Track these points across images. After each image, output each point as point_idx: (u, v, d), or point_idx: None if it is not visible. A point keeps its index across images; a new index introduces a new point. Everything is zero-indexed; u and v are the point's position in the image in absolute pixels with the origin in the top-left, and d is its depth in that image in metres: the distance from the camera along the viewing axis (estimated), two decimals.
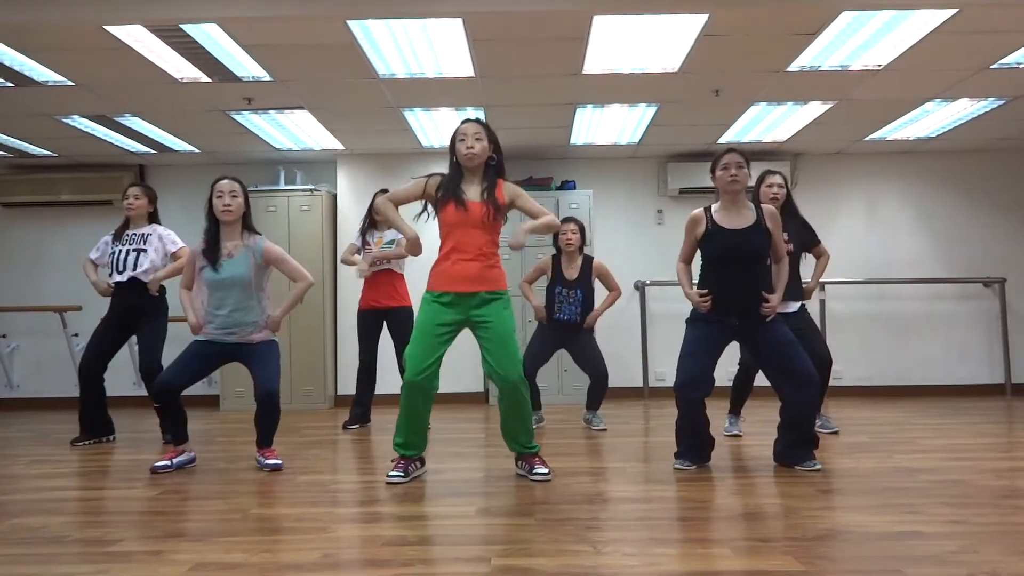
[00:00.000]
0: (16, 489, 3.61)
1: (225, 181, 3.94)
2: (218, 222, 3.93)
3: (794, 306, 4.51)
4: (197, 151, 7.21)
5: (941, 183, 7.74)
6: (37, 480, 3.82)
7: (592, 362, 5.25)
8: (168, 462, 3.90)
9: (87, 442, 4.95)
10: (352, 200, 7.50)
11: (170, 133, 6.65)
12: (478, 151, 3.48)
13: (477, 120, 3.57)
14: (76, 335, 7.46)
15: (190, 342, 3.98)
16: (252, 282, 3.92)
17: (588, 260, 5.28)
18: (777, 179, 4.56)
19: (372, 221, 5.47)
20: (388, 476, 3.51)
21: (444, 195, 3.49)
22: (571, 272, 5.22)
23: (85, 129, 6.44)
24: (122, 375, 7.49)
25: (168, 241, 4.88)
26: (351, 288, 7.31)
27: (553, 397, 6.92)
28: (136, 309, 4.83)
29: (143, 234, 4.85)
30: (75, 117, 6.12)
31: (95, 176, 7.52)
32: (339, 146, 7.22)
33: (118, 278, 4.82)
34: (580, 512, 2.89)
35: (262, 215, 7.15)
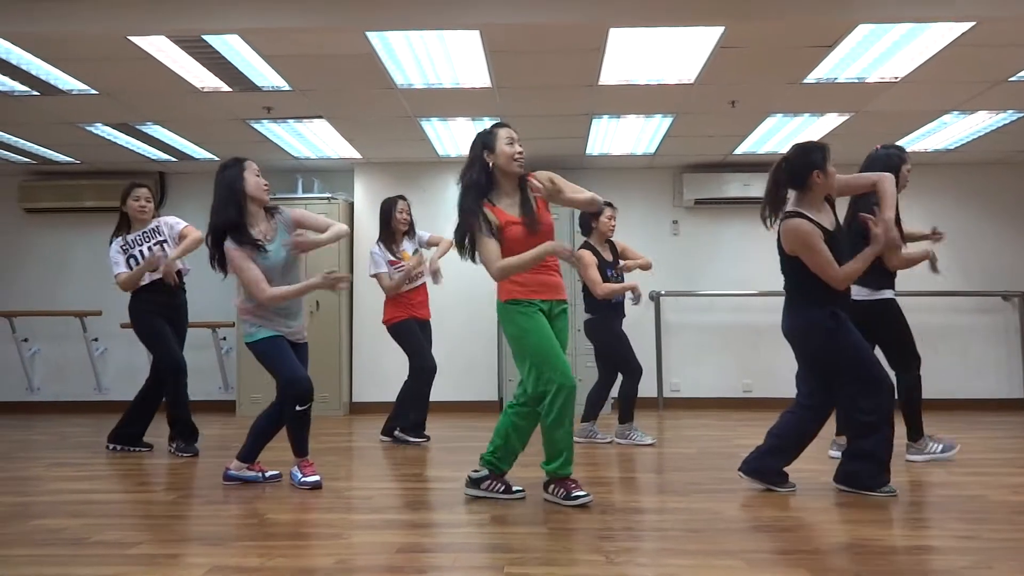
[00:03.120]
0: (37, 491, 3.66)
1: (250, 160, 3.79)
2: (241, 212, 3.65)
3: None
4: (216, 159, 7.29)
5: (960, 195, 7.69)
6: (58, 483, 3.87)
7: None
8: (316, 478, 3.62)
9: (182, 450, 4.71)
10: (369, 209, 7.55)
11: (191, 141, 6.74)
12: (525, 154, 3.32)
13: (508, 125, 3.42)
14: (96, 339, 7.56)
15: (266, 343, 3.62)
16: (293, 263, 3.73)
17: (611, 242, 5.21)
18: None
19: (389, 235, 5.22)
20: (577, 496, 3.15)
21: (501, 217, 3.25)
22: (608, 255, 5.13)
23: (108, 137, 6.54)
24: (139, 380, 7.58)
25: (173, 223, 4.84)
26: (367, 296, 7.36)
27: None
28: (174, 305, 4.83)
29: (154, 228, 4.79)
30: (98, 125, 6.22)
31: (117, 183, 7.57)
32: (356, 155, 7.28)
33: (154, 275, 4.70)
34: (593, 522, 2.90)
35: None
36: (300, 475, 3.64)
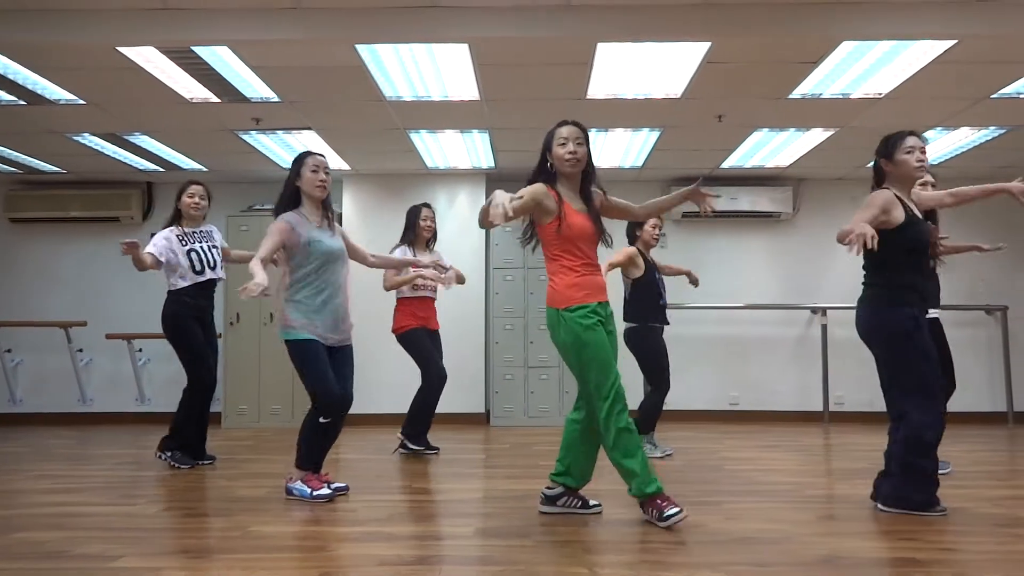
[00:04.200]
0: (19, 504, 3.63)
1: (317, 156, 3.71)
2: (298, 199, 3.66)
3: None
4: (205, 169, 7.29)
5: (943, 211, 7.74)
6: (40, 495, 3.84)
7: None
8: (329, 489, 3.58)
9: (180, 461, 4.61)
10: (358, 220, 7.55)
11: (178, 152, 6.73)
12: (581, 156, 3.22)
13: (576, 123, 3.28)
14: (81, 350, 7.51)
15: (298, 346, 3.54)
16: (346, 260, 3.70)
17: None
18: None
19: (413, 239, 5.17)
20: (669, 516, 2.98)
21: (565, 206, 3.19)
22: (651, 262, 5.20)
23: (95, 147, 6.52)
24: (124, 391, 7.55)
25: (220, 238, 4.87)
26: (357, 306, 7.35)
27: (554, 419, 6.91)
28: (209, 310, 4.75)
29: (207, 231, 4.77)
30: (85, 135, 6.20)
31: (103, 193, 7.60)
32: (345, 167, 7.29)
33: (210, 275, 4.65)
34: (578, 534, 2.90)
35: None
36: (309, 489, 3.57)
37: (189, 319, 4.61)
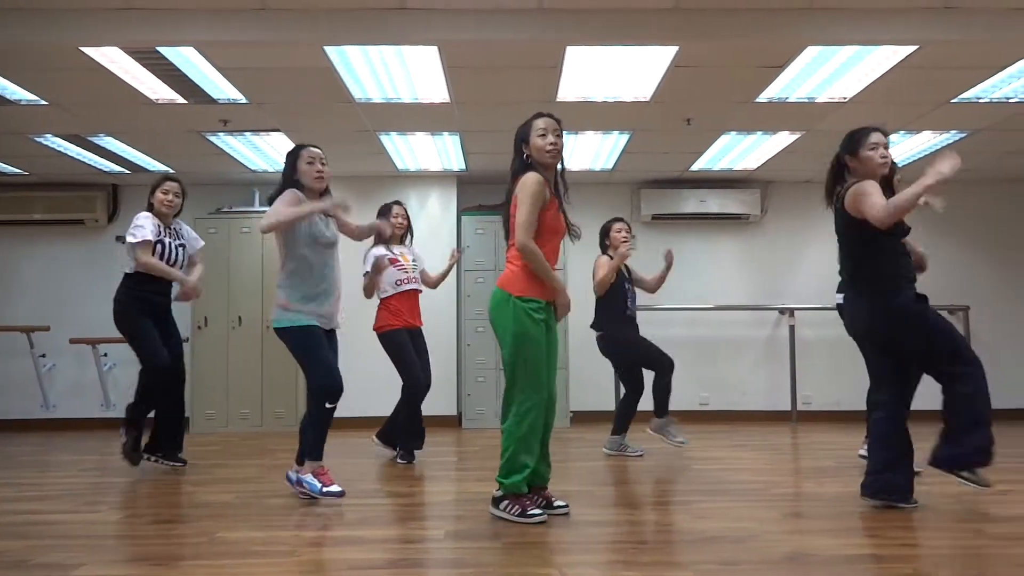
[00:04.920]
0: None
1: (313, 148, 3.74)
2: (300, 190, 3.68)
3: None
4: (171, 171, 7.19)
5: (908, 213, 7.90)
6: (1, 503, 3.76)
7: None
8: (338, 488, 3.63)
9: (156, 458, 4.58)
10: None
11: (144, 153, 6.64)
12: (560, 146, 3.25)
13: (551, 115, 3.30)
14: (43, 355, 7.37)
15: (300, 333, 3.58)
16: (335, 246, 3.78)
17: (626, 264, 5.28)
18: None
19: (389, 236, 4.99)
20: (532, 515, 3.11)
21: (553, 206, 3.25)
22: (624, 271, 5.24)
23: (58, 148, 6.40)
24: (88, 396, 7.41)
25: (195, 241, 4.76)
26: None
27: None
28: (167, 307, 4.63)
29: (178, 229, 4.70)
30: (48, 136, 6.10)
31: (67, 195, 7.47)
32: None
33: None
34: (547, 536, 2.91)
35: (236, 236, 7.15)
36: (319, 484, 3.62)
37: (133, 308, 4.47)
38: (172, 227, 4.68)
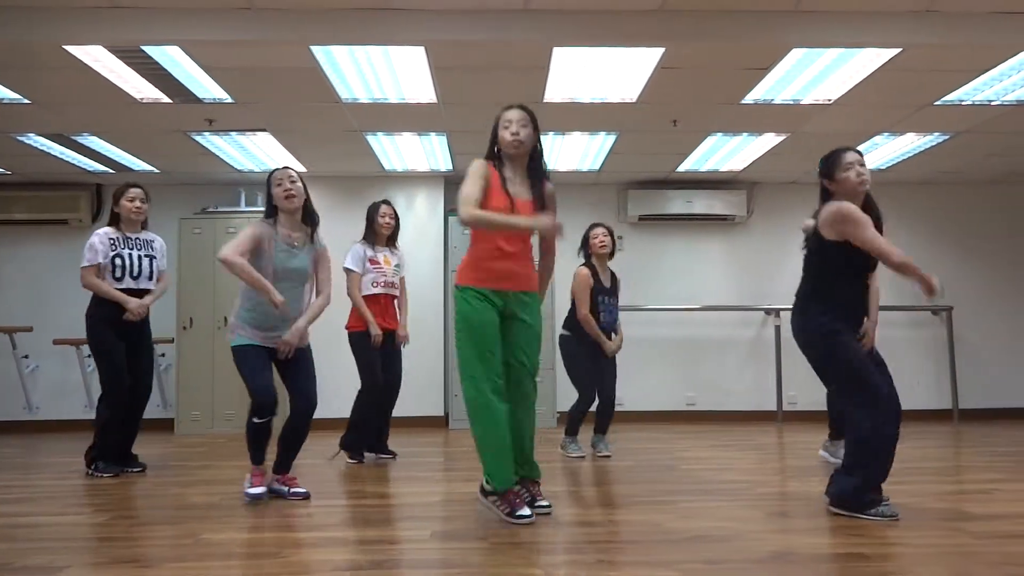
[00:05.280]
0: None
1: (280, 170, 3.73)
2: (274, 213, 3.72)
3: None
4: (156, 171, 7.15)
5: (891, 214, 7.85)
6: None
7: (611, 381, 5.16)
8: (262, 489, 3.65)
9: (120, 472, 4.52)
10: None
11: (129, 153, 6.60)
12: (524, 138, 3.22)
13: (522, 107, 3.28)
14: (26, 356, 7.31)
15: (239, 351, 3.63)
16: (309, 279, 3.77)
17: (613, 273, 5.25)
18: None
19: (372, 236, 5.04)
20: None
21: (495, 184, 3.21)
22: (607, 280, 5.15)
23: (41, 148, 6.35)
24: (72, 398, 7.35)
25: (163, 255, 4.68)
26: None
27: None
28: (140, 323, 4.52)
29: (149, 240, 4.61)
30: (31, 135, 6.05)
31: (50, 195, 7.41)
32: (301, 168, 7.21)
33: (132, 284, 4.47)
34: (533, 536, 2.91)
35: (222, 236, 7.10)
36: (287, 489, 3.74)
37: (103, 323, 4.44)
38: (141, 238, 4.59)
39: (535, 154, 3.32)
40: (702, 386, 7.75)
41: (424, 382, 7.21)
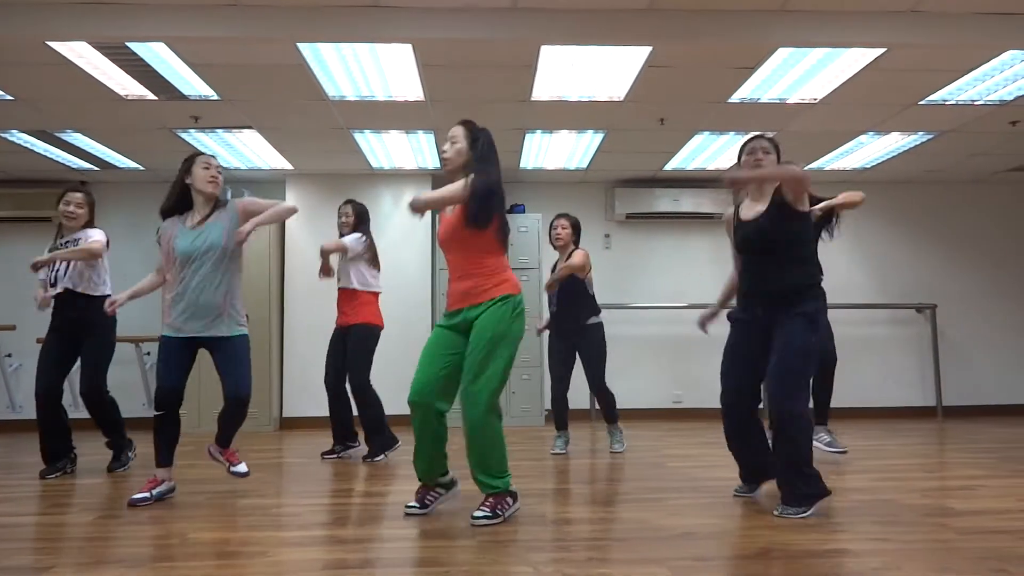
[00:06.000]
0: None
1: (205, 155, 3.72)
2: (187, 194, 3.69)
3: None
4: (141, 168, 7.10)
5: (876, 212, 8.04)
6: None
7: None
8: (148, 494, 3.58)
9: (56, 474, 4.48)
10: (301, 220, 7.45)
11: (114, 150, 6.54)
12: (451, 155, 3.21)
13: (463, 122, 3.28)
14: (10, 355, 7.24)
15: (160, 344, 3.73)
16: (224, 253, 3.64)
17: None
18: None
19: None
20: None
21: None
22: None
23: (24, 144, 6.29)
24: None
25: (90, 235, 4.52)
26: (299, 305, 7.25)
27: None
28: (79, 322, 4.47)
29: (75, 239, 4.53)
30: (14, 132, 5.99)
31: (34, 192, 7.33)
32: (288, 166, 7.18)
33: (52, 292, 4.48)
34: (522, 534, 2.92)
35: None
36: (230, 464, 3.96)
37: (51, 327, 4.55)
38: (73, 238, 4.53)
39: (476, 169, 3.16)
40: (689, 384, 7.77)
41: (410, 381, 7.19)
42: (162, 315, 3.77)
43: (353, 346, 4.94)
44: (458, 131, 3.24)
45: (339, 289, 5.03)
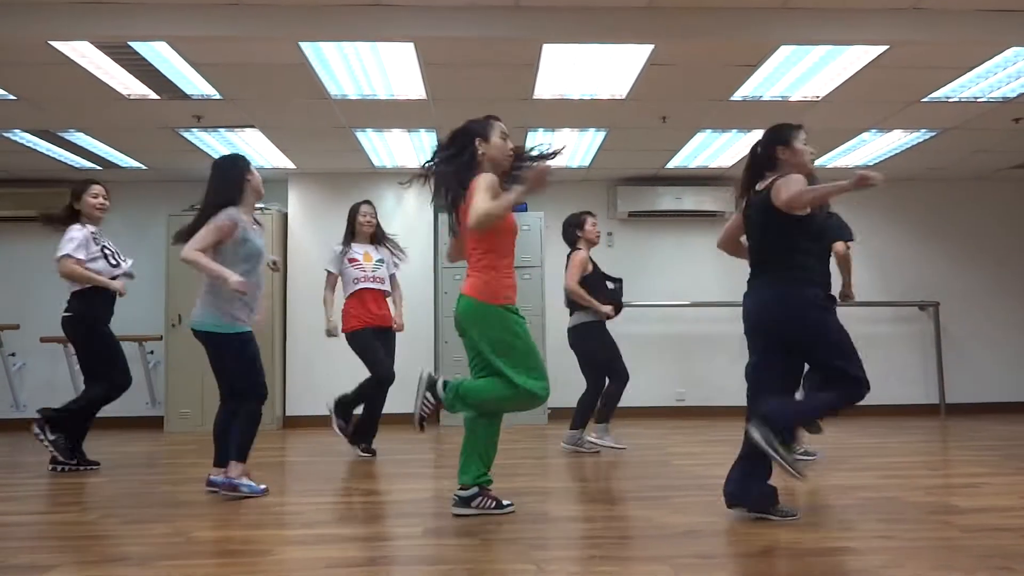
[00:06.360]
0: None
1: (245, 158, 3.93)
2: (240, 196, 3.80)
3: None
4: (144, 168, 7.11)
5: (879, 210, 8.03)
6: None
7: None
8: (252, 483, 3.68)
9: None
10: (303, 219, 7.46)
11: (116, 149, 6.55)
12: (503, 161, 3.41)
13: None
14: (13, 354, 7.24)
15: (240, 341, 3.67)
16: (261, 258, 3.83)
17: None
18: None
19: (351, 236, 5.06)
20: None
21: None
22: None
23: (27, 144, 6.30)
24: (60, 395, 7.28)
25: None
26: (301, 304, 7.25)
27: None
28: (112, 309, 4.65)
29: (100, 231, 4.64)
30: (17, 132, 5.99)
31: (37, 191, 7.33)
32: (290, 165, 7.19)
33: (125, 268, 4.60)
34: (525, 532, 2.92)
35: None
36: (242, 483, 3.71)
37: (102, 320, 4.56)
38: (100, 230, 4.60)
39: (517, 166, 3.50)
40: (692, 382, 7.77)
41: (415, 379, 7.19)
42: (218, 305, 3.63)
43: (391, 346, 5.09)
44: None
45: (367, 290, 4.97)
